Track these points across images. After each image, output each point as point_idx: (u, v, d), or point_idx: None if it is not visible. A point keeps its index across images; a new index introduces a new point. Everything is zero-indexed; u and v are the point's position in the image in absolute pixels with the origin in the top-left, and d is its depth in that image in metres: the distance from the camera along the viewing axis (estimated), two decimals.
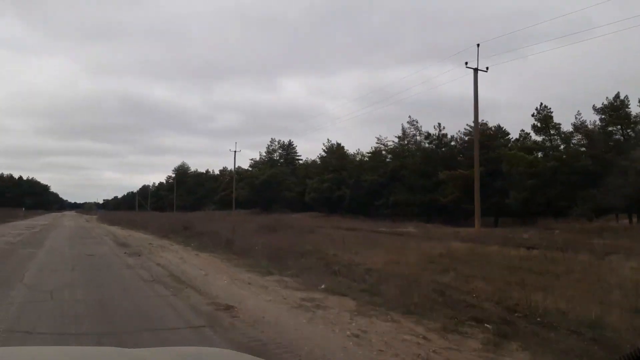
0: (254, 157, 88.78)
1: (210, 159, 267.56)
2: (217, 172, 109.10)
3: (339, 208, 54.71)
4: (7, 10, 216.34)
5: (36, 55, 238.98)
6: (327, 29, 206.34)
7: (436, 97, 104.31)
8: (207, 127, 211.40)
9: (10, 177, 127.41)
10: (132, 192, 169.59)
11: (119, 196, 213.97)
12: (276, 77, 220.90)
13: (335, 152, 64.96)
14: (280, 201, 67.28)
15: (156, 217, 44.42)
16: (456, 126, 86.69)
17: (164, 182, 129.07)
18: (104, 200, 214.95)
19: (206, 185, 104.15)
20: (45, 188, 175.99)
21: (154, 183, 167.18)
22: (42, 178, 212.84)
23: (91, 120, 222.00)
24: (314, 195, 57.72)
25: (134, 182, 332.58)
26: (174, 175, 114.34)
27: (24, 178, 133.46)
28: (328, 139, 66.99)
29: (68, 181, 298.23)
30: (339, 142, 68.01)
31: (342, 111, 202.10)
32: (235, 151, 66.30)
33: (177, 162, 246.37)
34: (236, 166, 76.09)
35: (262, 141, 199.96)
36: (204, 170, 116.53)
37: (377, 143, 57.57)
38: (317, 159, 69.65)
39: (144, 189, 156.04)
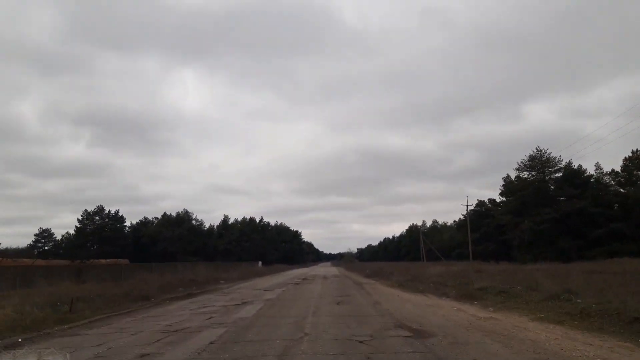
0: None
1: (448, 204, 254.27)
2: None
3: None
4: (264, 85, 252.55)
5: (286, 122, 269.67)
6: (576, 30, 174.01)
7: None
8: (444, 171, 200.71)
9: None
10: (390, 238, 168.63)
11: (364, 247, 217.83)
12: (519, 103, 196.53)
13: None
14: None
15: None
16: None
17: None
18: (357, 249, 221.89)
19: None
20: (308, 244, 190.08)
21: (394, 235, 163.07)
22: (304, 234, 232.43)
23: (335, 176, 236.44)
24: None
25: (376, 232, 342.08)
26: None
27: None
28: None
29: (322, 235, 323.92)
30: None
31: (604, 131, 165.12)
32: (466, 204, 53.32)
33: (415, 210, 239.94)
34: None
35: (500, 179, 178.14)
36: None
37: None
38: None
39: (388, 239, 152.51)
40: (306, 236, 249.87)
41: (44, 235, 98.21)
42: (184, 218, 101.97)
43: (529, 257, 47.15)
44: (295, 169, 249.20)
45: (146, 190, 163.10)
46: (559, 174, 55.24)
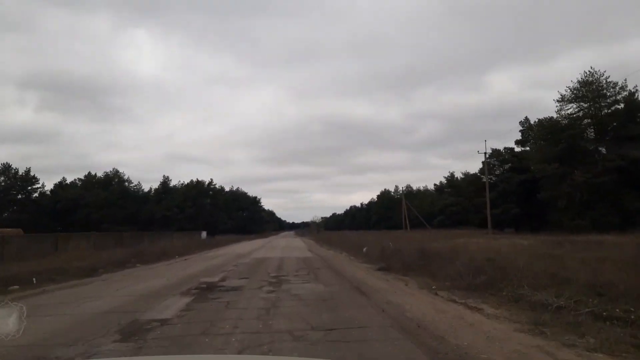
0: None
1: (412, 174, 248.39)
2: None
3: None
4: (224, 47, 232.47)
5: (247, 88, 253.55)
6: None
7: None
8: (408, 140, 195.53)
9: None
10: (357, 207, 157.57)
11: (328, 215, 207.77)
12: (482, 74, 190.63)
13: None
14: None
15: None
16: None
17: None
18: (322, 218, 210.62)
19: None
20: (269, 212, 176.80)
21: (362, 203, 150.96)
22: (265, 203, 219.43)
23: (298, 144, 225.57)
24: None
25: (339, 202, 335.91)
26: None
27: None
28: None
29: (285, 204, 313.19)
30: None
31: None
32: None
33: (378, 180, 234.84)
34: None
35: (466, 150, 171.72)
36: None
37: None
38: None
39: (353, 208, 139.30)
40: (268, 206, 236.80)
41: None
42: (112, 179, 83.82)
43: (584, 224, 32.96)
44: (257, 137, 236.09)
45: (99, 159, 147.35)
46: (618, 106, 40.18)
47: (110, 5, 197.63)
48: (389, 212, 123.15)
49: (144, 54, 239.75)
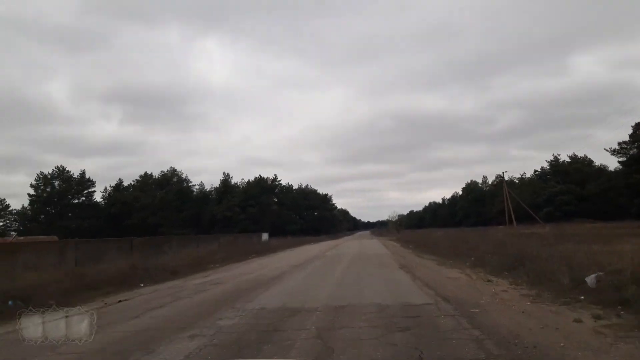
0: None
1: (491, 167, 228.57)
2: None
3: None
4: (286, 47, 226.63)
5: (316, 88, 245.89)
6: None
7: None
8: (485, 132, 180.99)
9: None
10: (438, 202, 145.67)
11: (405, 213, 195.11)
12: (565, 56, 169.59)
13: None
14: None
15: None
16: None
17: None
18: (398, 215, 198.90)
19: None
20: (342, 211, 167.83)
21: (444, 198, 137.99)
22: (338, 203, 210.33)
23: (370, 142, 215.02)
24: None
25: (415, 199, 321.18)
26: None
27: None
28: None
29: (359, 204, 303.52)
30: None
31: None
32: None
33: (456, 175, 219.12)
34: None
35: (550, 138, 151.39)
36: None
37: None
38: None
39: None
40: (342, 205, 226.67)
41: None
42: (169, 179, 76.99)
43: None
44: (328, 137, 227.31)
45: (180, 166, 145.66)
46: None
47: (179, 17, 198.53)
48: (478, 206, 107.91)
49: (214, 61, 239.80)
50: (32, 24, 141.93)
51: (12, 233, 68.97)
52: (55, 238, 50.21)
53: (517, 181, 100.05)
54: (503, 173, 73.98)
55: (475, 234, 38.50)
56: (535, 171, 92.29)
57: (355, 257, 23.91)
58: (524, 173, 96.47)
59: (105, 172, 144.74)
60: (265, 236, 57.48)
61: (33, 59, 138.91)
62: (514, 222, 54.51)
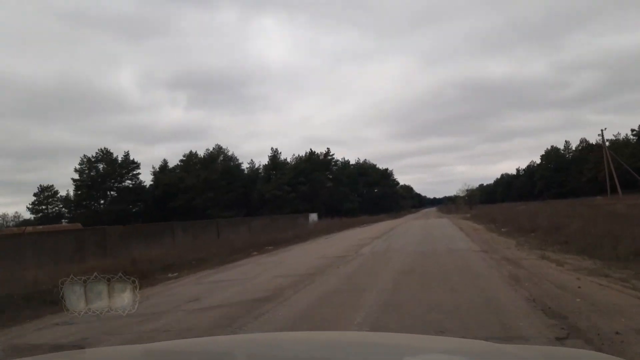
0: None
1: (568, 134, 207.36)
2: None
3: None
4: (342, 20, 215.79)
5: (374, 61, 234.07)
6: None
7: None
8: (558, 97, 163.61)
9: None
10: (512, 174, 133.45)
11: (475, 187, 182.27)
12: None
13: None
14: None
15: None
16: None
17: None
18: (467, 190, 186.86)
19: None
20: (406, 187, 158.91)
21: (518, 168, 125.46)
22: (402, 180, 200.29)
23: (433, 115, 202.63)
24: None
25: (485, 172, 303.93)
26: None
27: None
28: None
29: (423, 179, 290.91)
30: None
31: None
32: None
33: (528, 144, 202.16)
34: None
35: (634, 101, 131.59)
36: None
37: None
38: None
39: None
40: (406, 182, 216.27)
41: (47, 195, 73.78)
42: (216, 157, 71.85)
43: None
44: (389, 111, 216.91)
45: (245, 149, 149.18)
46: None
47: None
48: (561, 175, 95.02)
49: (272, 41, 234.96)
50: (94, 15, 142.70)
51: (63, 221, 67.24)
52: (79, 225, 46.26)
53: (608, 143, 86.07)
54: (602, 130, 61.87)
55: (576, 207, 29.26)
56: (633, 130, 78.33)
57: (412, 262, 11.50)
58: (618, 133, 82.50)
59: (174, 157, 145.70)
60: (313, 217, 50.61)
61: (101, 50, 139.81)
62: (619, 191, 43.70)
